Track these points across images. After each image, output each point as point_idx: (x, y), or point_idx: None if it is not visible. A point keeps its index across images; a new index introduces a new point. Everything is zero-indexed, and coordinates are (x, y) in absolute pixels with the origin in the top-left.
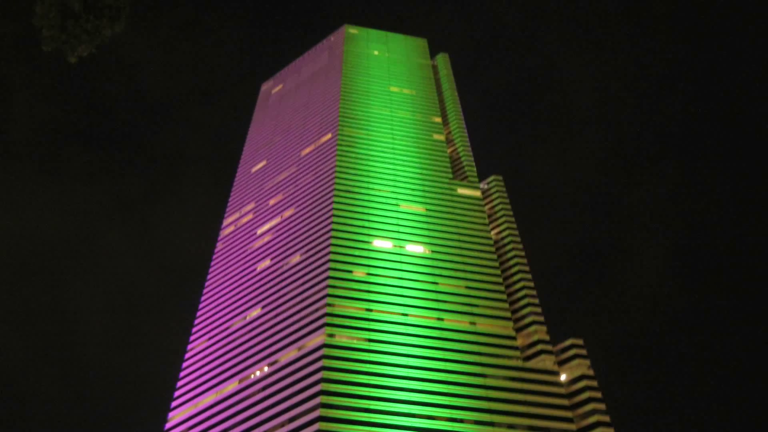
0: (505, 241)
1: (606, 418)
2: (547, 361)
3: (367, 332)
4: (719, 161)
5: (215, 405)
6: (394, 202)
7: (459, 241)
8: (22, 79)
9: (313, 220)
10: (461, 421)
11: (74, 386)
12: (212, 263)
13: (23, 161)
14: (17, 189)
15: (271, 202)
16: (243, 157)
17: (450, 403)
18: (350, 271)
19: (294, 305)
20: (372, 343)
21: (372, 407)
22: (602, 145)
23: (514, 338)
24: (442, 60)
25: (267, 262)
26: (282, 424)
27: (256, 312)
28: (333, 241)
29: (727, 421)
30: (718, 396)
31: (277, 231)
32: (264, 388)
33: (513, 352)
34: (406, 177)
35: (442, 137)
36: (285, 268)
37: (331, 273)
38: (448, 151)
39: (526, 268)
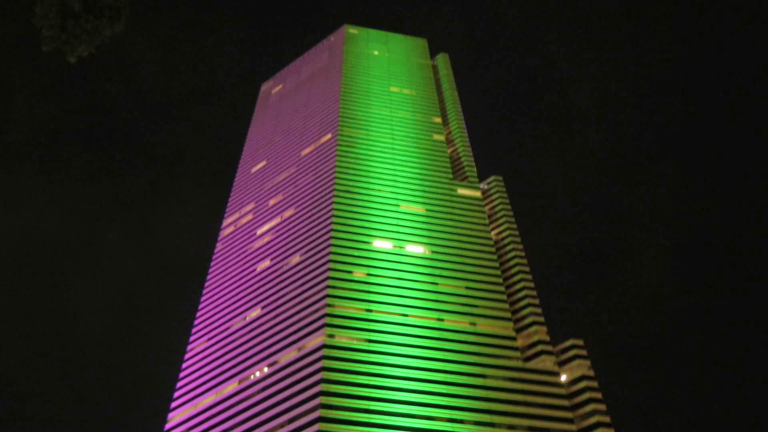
0: (505, 241)
1: (606, 419)
2: (547, 362)
3: (366, 333)
4: (719, 161)
5: (215, 405)
6: (394, 202)
7: (459, 241)
8: (22, 79)
9: (313, 221)
10: (461, 421)
11: (74, 386)
12: (212, 263)
13: (23, 161)
14: (17, 189)
15: (271, 202)
16: (243, 157)
17: (450, 403)
18: (350, 272)
19: (294, 306)
20: (372, 344)
21: (372, 408)
22: (602, 145)
23: (514, 339)
24: (442, 60)
25: (267, 263)
26: (282, 425)
27: (256, 312)
28: (333, 241)
29: (727, 421)
30: (718, 396)
31: (277, 231)
32: (264, 389)
33: (513, 352)
34: (406, 177)
35: (442, 137)
36: (285, 268)
37: (331, 273)
38: (448, 151)
39: (526, 269)
